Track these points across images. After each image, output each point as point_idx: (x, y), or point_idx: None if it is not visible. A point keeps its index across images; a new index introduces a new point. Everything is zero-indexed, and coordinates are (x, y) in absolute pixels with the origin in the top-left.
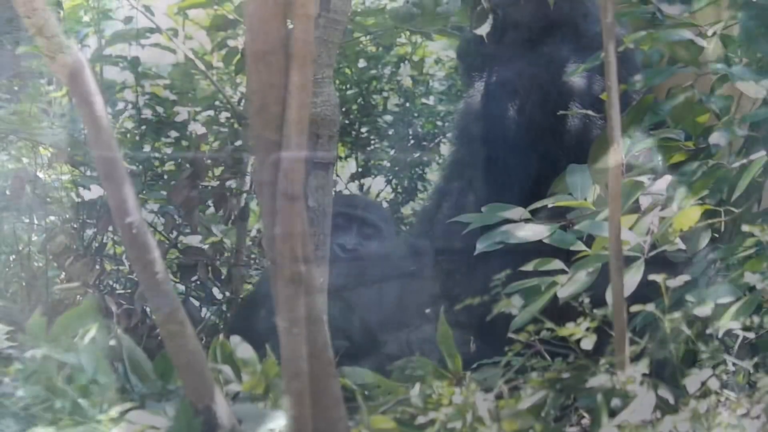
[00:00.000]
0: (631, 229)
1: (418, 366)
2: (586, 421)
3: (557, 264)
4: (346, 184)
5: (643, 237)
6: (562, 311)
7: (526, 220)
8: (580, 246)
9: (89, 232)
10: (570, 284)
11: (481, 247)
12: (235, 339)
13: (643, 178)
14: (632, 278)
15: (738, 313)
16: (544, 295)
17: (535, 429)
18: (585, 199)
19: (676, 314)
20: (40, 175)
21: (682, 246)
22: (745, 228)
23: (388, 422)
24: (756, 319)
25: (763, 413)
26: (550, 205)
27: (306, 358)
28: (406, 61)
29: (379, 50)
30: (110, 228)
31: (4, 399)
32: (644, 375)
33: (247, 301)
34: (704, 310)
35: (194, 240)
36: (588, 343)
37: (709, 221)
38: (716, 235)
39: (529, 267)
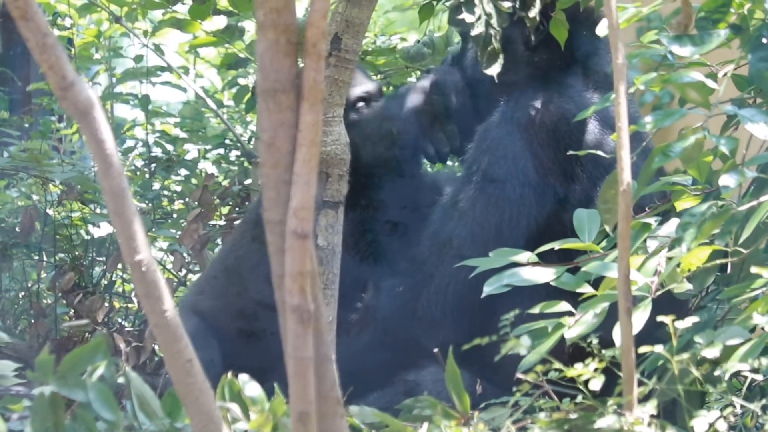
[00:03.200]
0: (638, 270)
1: (426, 405)
2: None
3: (564, 305)
4: None
5: (651, 277)
6: (571, 351)
7: (534, 263)
8: (587, 288)
9: (98, 269)
10: (577, 326)
11: (488, 289)
12: (244, 377)
13: (651, 220)
14: (639, 318)
15: (746, 354)
16: (551, 336)
17: None
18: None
19: (685, 355)
20: (50, 212)
21: (690, 287)
22: (754, 269)
23: None
24: (764, 361)
25: None
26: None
27: (314, 397)
28: None
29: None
30: (119, 265)
31: None
32: (652, 416)
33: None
34: (713, 352)
35: None
36: (596, 384)
37: (717, 262)
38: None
39: (536, 309)
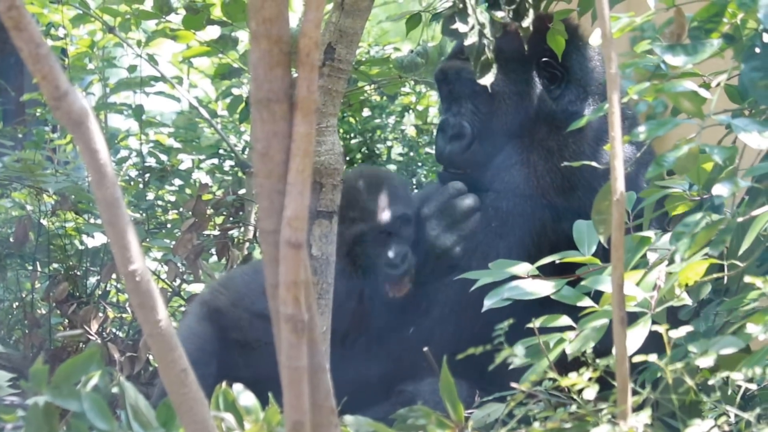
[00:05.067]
0: (637, 284)
1: (421, 415)
2: None
3: (565, 320)
4: None
5: (650, 292)
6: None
7: (534, 276)
8: (587, 302)
9: (92, 279)
10: (578, 340)
11: (489, 302)
12: (238, 387)
13: (650, 233)
14: (639, 334)
15: (744, 363)
16: (552, 351)
17: None
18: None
19: (679, 364)
20: (44, 222)
21: (689, 301)
22: (749, 280)
23: None
24: (758, 371)
25: None
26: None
27: (308, 407)
28: (410, 111)
29: (384, 99)
30: (113, 275)
31: None
32: (646, 425)
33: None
34: (707, 361)
35: (197, 288)
36: (591, 393)
37: (714, 276)
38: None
39: (537, 323)
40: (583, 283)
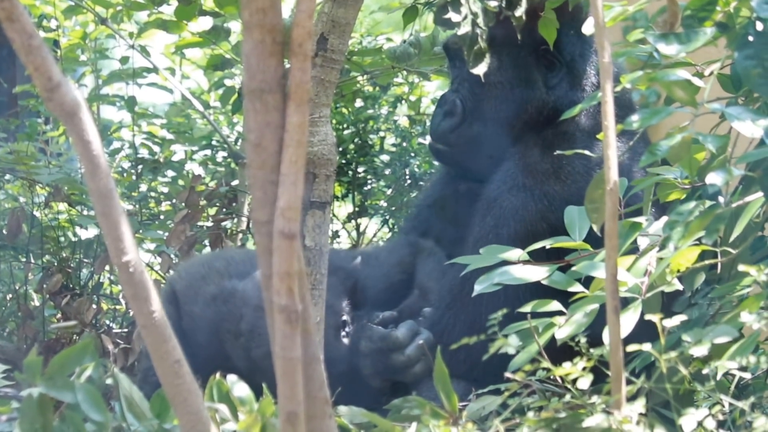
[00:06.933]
0: (628, 270)
1: (415, 405)
2: None
3: (555, 305)
4: (343, 224)
5: (641, 278)
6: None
7: (525, 262)
8: (578, 287)
9: (86, 271)
10: (567, 325)
11: (479, 287)
12: (232, 378)
13: (641, 219)
14: (629, 319)
15: (735, 353)
16: (542, 336)
17: None
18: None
19: (673, 353)
20: (37, 213)
21: (680, 286)
22: (742, 268)
23: None
24: (752, 359)
25: None
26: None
27: (302, 398)
28: (403, 101)
29: (376, 90)
30: (107, 267)
31: None
32: (640, 414)
33: None
34: (701, 350)
35: None
36: (584, 383)
37: (706, 262)
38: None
39: (527, 308)
40: (574, 268)
